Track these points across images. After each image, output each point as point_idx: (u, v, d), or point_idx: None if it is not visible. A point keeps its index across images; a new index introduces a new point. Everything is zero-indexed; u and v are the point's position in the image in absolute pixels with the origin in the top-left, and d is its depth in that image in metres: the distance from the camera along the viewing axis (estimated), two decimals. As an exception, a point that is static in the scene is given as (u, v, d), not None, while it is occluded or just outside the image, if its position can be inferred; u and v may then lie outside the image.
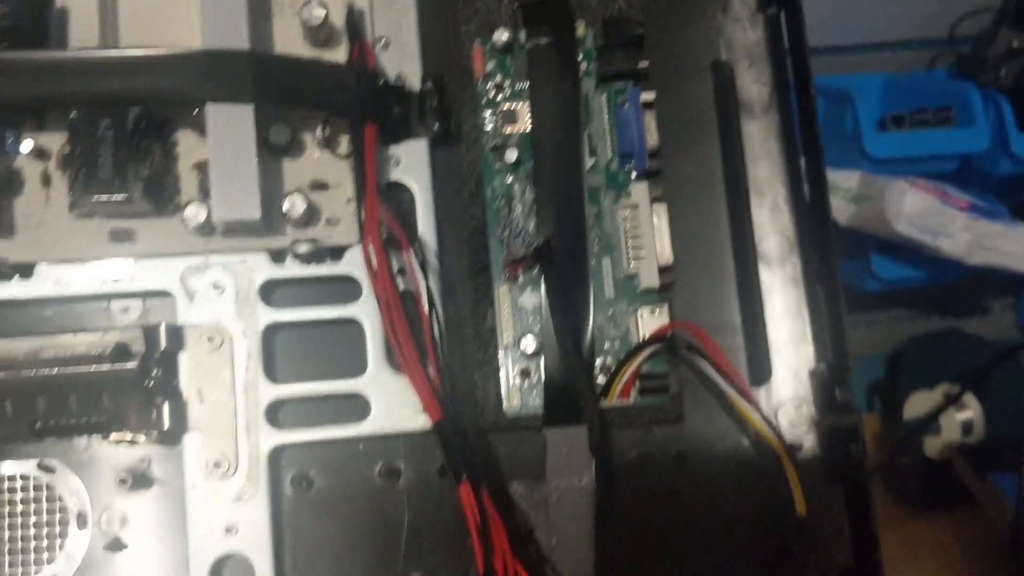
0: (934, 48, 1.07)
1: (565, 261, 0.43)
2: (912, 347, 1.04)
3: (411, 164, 0.44)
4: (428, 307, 0.40)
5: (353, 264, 0.42)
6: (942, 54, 1.06)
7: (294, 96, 0.40)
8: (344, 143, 0.42)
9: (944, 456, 0.91)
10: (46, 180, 0.40)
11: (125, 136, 0.38)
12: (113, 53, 0.39)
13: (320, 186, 0.42)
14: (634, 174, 0.44)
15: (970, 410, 0.92)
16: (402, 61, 0.44)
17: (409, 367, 0.39)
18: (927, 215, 0.89)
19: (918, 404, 0.96)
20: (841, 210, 0.92)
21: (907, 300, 1.09)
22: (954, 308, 1.11)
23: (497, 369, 0.43)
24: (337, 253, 0.42)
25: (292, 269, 0.42)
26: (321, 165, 0.42)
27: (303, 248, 0.41)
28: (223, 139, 0.39)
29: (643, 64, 0.44)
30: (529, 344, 0.43)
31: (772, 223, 0.46)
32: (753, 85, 0.46)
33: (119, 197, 0.38)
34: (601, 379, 0.43)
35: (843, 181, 0.93)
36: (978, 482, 0.85)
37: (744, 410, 0.40)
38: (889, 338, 1.07)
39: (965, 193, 0.92)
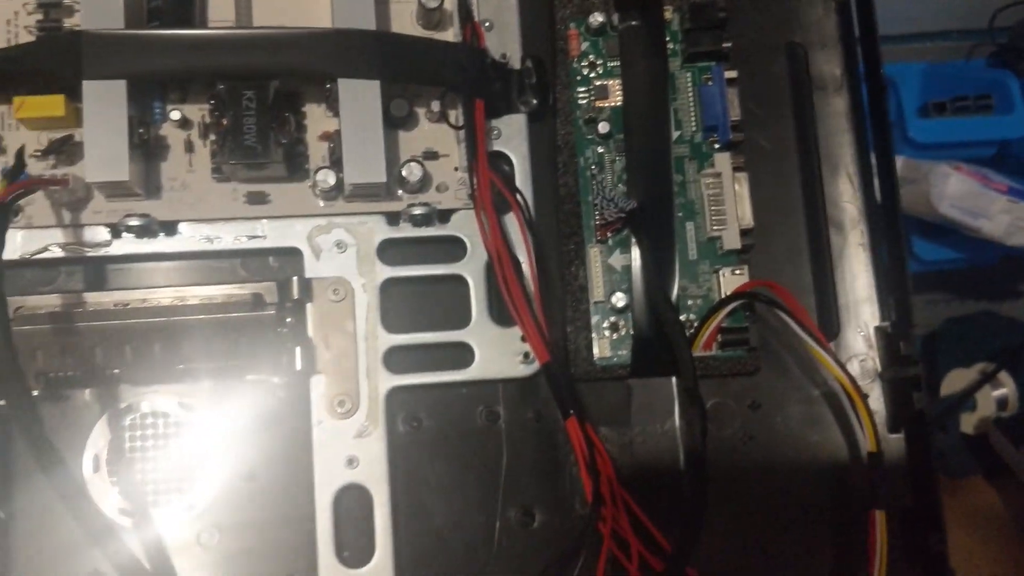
0: (973, 38, 1.09)
1: (654, 225, 0.46)
2: (949, 328, 1.07)
3: (510, 135, 0.48)
4: (536, 261, 0.44)
5: (460, 226, 0.46)
6: (981, 44, 1.09)
7: (416, 73, 0.44)
8: (453, 116, 0.46)
9: (980, 430, 0.94)
10: (189, 147, 0.45)
11: (266, 107, 0.42)
12: (258, 31, 0.43)
13: (431, 155, 0.46)
14: (717, 145, 0.48)
15: (1005, 387, 0.95)
16: (504, 42, 0.48)
17: (520, 315, 0.43)
18: (969, 197, 0.92)
19: (955, 381, 0.99)
20: (886, 192, 0.95)
21: (944, 283, 1.12)
22: (988, 291, 1.13)
23: (588, 323, 0.47)
24: (445, 216, 0.46)
25: (406, 230, 0.46)
26: (432, 136, 0.47)
27: (417, 211, 0.45)
28: (353, 111, 0.43)
29: (726, 45, 0.48)
30: (619, 300, 0.47)
31: (842, 192, 0.49)
32: (825, 66, 0.50)
33: (262, 162, 0.42)
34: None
35: (888, 165, 0.95)
36: (1013, 453, 0.87)
37: (822, 357, 0.44)
38: (927, 319, 1.10)
39: (1005, 177, 0.95)
